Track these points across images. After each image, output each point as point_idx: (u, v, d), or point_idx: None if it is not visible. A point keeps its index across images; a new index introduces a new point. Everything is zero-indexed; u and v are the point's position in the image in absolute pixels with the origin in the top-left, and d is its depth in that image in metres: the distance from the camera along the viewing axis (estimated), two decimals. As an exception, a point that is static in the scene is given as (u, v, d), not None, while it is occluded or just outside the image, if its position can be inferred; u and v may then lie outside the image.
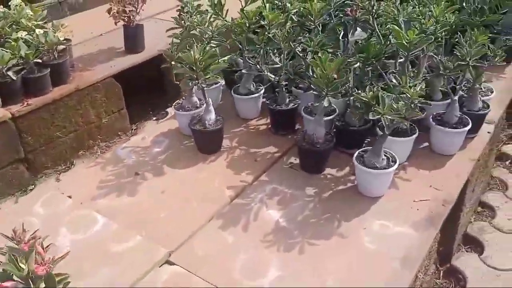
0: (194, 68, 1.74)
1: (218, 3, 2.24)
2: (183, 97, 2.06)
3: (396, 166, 1.60)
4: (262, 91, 2.14)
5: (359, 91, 1.60)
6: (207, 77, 1.74)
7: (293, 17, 2.06)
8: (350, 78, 1.69)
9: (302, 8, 1.99)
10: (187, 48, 1.81)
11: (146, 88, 2.58)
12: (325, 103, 1.60)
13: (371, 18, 1.75)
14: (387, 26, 1.66)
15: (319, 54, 1.64)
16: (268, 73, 1.96)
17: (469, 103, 1.87)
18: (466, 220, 2.03)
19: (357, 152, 1.66)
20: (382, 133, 1.53)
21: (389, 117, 1.45)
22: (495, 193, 2.26)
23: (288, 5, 2.04)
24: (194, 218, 1.60)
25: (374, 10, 1.74)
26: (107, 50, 2.70)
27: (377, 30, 1.76)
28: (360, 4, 1.77)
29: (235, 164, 1.87)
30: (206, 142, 1.92)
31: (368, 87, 1.49)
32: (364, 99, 1.46)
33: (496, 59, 1.75)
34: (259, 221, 1.57)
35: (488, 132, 1.97)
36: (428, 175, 1.74)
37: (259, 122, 2.17)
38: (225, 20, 2.15)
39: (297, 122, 2.07)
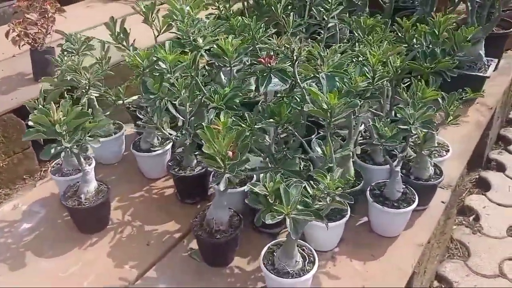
0: (59, 130, 1.31)
1: (121, 31, 1.82)
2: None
3: (314, 270, 1.20)
4: (169, 146, 1.72)
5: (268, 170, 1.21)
6: (71, 145, 1.31)
7: (205, 55, 1.65)
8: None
9: (215, 46, 1.59)
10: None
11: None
12: (221, 187, 1.19)
13: (292, 66, 1.36)
14: (303, 84, 1.26)
15: (221, 116, 1.24)
16: (167, 130, 1.54)
17: (416, 170, 1.49)
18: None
19: (266, 248, 1.26)
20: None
21: (297, 218, 1.05)
22: (454, 263, 1.89)
23: (200, 40, 1.62)
24: None
25: (294, 57, 1.34)
26: (14, 77, 2.29)
27: (299, 81, 1.36)
28: (277, 48, 1.36)
29: (120, 250, 1.45)
30: (83, 221, 1.49)
31: (269, 174, 1.08)
32: (263, 192, 1.05)
33: (449, 120, 1.38)
34: None
35: (442, 202, 1.59)
36: (362, 270, 1.36)
37: (166, 183, 1.75)
38: (128, 54, 1.73)
39: (210, 187, 1.67)
